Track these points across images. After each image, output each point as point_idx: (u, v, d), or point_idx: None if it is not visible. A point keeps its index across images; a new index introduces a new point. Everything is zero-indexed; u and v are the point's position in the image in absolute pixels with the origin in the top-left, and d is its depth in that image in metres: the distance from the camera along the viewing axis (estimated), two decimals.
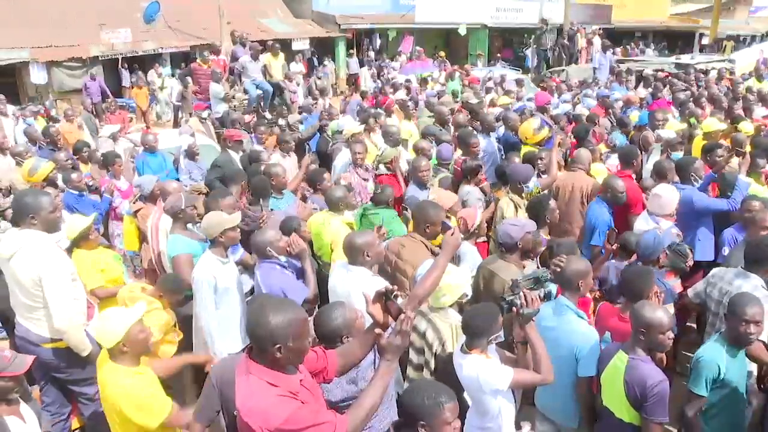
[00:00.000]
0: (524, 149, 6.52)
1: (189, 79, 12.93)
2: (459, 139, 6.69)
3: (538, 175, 5.51)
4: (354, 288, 3.48)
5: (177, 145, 7.80)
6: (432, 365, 3.32)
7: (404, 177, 6.16)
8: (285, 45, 16.20)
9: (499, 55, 24.36)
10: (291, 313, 2.07)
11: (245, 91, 12.20)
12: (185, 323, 4.15)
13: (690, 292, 4.07)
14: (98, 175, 7.04)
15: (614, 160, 6.32)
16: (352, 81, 19.05)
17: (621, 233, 4.55)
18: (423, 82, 14.29)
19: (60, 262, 3.60)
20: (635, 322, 2.93)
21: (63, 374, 3.81)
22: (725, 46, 23.30)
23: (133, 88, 15.55)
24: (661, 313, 2.89)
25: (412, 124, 8.90)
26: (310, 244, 4.67)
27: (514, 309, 2.89)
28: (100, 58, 15.90)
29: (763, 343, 3.37)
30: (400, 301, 2.28)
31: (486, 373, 2.84)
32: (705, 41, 24.45)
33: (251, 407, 2.04)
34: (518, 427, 2.99)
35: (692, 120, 7.85)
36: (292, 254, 4.04)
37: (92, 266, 4.30)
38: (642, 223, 4.69)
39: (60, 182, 6.17)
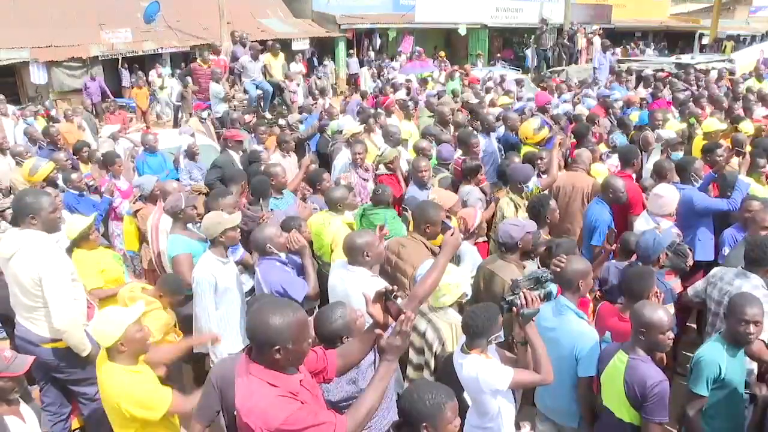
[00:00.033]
0: (524, 149, 6.52)
1: (189, 79, 12.93)
2: (459, 139, 6.68)
3: (539, 175, 5.51)
4: (354, 288, 3.48)
5: (177, 145, 7.81)
6: (432, 365, 3.32)
7: (404, 177, 6.17)
8: (285, 45, 16.20)
9: (499, 55, 24.42)
10: (291, 315, 2.07)
11: (245, 91, 12.20)
12: (185, 323, 4.16)
13: (690, 290, 4.07)
14: (98, 175, 7.05)
15: (614, 160, 6.32)
16: (352, 81, 19.06)
17: (621, 233, 4.55)
18: (423, 82, 14.29)
19: (60, 262, 3.60)
20: (635, 322, 2.94)
21: (63, 374, 3.81)
22: (725, 46, 23.31)
23: (133, 88, 15.56)
24: (661, 313, 2.89)
25: (412, 124, 8.90)
26: (311, 244, 4.67)
27: (514, 309, 2.89)
28: (100, 58, 15.92)
29: (764, 342, 3.36)
30: (399, 301, 2.28)
31: (486, 373, 2.84)
32: (705, 41, 24.44)
33: (251, 407, 2.04)
34: (518, 427, 2.99)
35: (692, 120, 7.84)
36: (292, 251, 4.03)
37: (92, 266, 4.30)
38: (642, 223, 4.69)
39: (60, 182, 6.17)
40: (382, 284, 2.68)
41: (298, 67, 15.16)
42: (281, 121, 10.13)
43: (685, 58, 15.18)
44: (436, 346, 3.29)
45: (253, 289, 4.27)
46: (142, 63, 17.06)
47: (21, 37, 15.03)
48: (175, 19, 17.52)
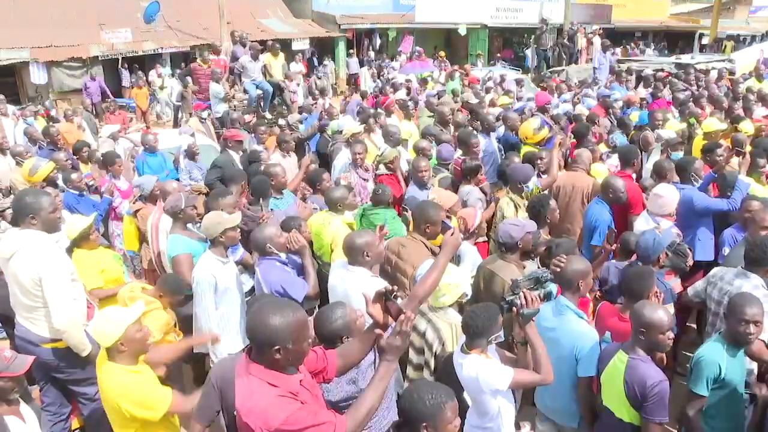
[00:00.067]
0: (524, 149, 6.52)
1: (189, 79, 12.93)
2: (459, 139, 6.68)
3: (539, 175, 5.51)
4: (354, 288, 3.48)
5: (177, 145, 7.81)
6: (432, 365, 3.32)
7: (404, 177, 6.16)
8: (285, 45, 16.20)
9: (499, 55, 24.42)
10: (291, 316, 2.07)
11: (245, 91, 12.20)
12: (185, 323, 4.16)
13: (690, 290, 4.07)
14: (98, 175, 7.05)
15: (614, 160, 6.32)
16: (352, 81, 19.06)
17: (621, 233, 4.55)
18: (423, 82, 14.30)
19: (60, 262, 3.60)
20: (635, 322, 2.94)
21: (63, 374, 3.81)
22: (725, 46, 23.31)
23: (133, 88, 15.57)
24: (661, 313, 2.89)
25: (412, 124, 8.90)
26: (311, 244, 4.67)
27: (514, 309, 2.89)
28: (100, 58, 15.93)
29: (764, 342, 3.36)
30: (399, 301, 2.28)
31: (486, 373, 2.84)
32: (705, 41, 24.44)
33: (251, 407, 2.04)
34: (518, 427, 2.99)
35: (692, 120, 7.84)
36: (292, 250, 4.03)
37: (92, 266, 4.30)
38: (642, 223, 4.68)
39: (60, 182, 6.17)
40: (381, 284, 2.68)
41: (298, 67, 15.16)
42: (281, 121, 10.13)
43: (685, 58, 15.17)
44: (436, 346, 3.29)
45: (253, 289, 4.27)
46: (142, 63, 17.07)
47: (21, 37, 15.04)
48: (175, 19, 17.52)
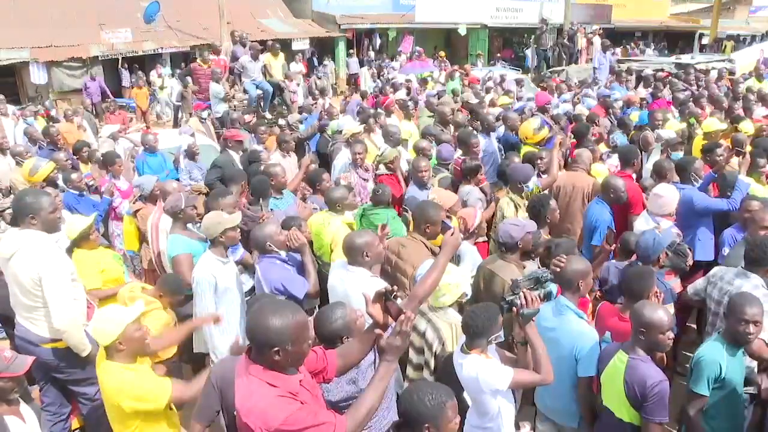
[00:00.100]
0: (524, 149, 6.52)
1: (189, 79, 12.93)
2: (459, 139, 6.68)
3: (539, 175, 5.51)
4: (353, 288, 3.48)
5: (177, 145, 7.81)
6: (432, 365, 3.32)
7: (404, 177, 6.16)
8: (285, 45, 16.21)
9: (499, 55, 24.42)
10: (290, 317, 2.06)
11: (245, 91, 12.20)
12: (185, 337, 4.14)
13: (689, 288, 4.07)
14: (98, 175, 7.05)
15: (614, 160, 6.32)
16: (352, 81, 19.06)
17: (621, 233, 4.55)
18: (423, 82, 14.30)
19: (60, 262, 3.60)
20: (635, 322, 2.94)
21: (63, 374, 3.81)
22: (725, 46, 23.31)
23: (133, 88, 15.57)
24: (661, 313, 2.89)
25: (412, 124, 8.90)
26: (310, 243, 4.67)
27: (514, 309, 2.89)
28: (100, 58, 15.93)
29: (764, 341, 3.36)
30: (399, 301, 2.28)
31: (486, 373, 2.84)
32: (705, 41, 24.44)
33: (250, 407, 2.04)
34: (518, 427, 2.99)
35: (692, 120, 7.84)
36: (292, 248, 4.04)
37: (92, 266, 4.30)
38: (642, 223, 4.68)
39: (60, 182, 6.17)
40: (381, 284, 2.68)
41: (298, 67, 15.16)
42: (281, 121, 10.13)
43: (685, 58, 15.17)
44: (436, 346, 3.29)
45: (253, 289, 4.27)
46: (142, 63, 17.07)
47: (21, 37, 15.04)
48: (175, 19, 17.52)
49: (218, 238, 3.95)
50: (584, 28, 21.49)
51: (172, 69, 16.59)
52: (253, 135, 8.11)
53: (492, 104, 10.19)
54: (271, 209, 5.12)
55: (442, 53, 20.37)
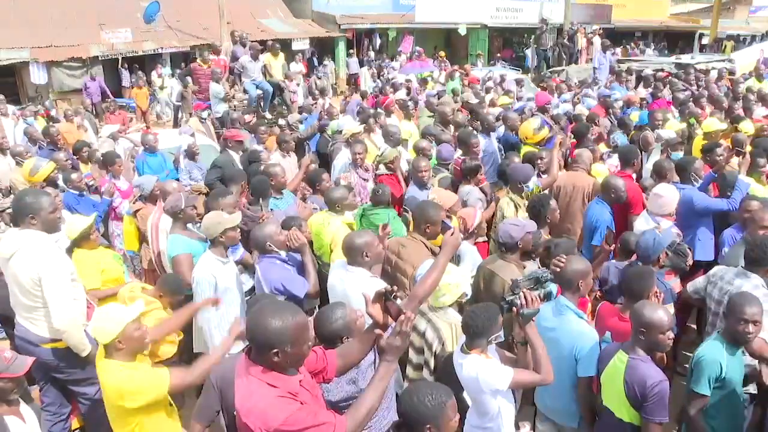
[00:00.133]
0: (524, 149, 6.52)
1: (189, 79, 12.94)
2: (459, 139, 6.68)
3: (539, 175, 5.51)
4: (353, 288, 3.48)
5: (177, 145, 7.81)
6: (432, 365, 3.32)
7: (404, 177, 6.16)
8: (285, 45, 16.21)
9: (499, 55, 24.42)
10: (290, 319, 2.06)
11: (245, 91, 12.21)
12: (185, 323, 4.15)
13: (689, 286, 4.07)
14: (98, 175, 7.05)
15: (614, 160, 6.32)
16: (352, 81, 19.06)
17: (621, 233, 4.55)
18: (423, 82, 14.29)
19: (60, 262, 3.60)
20: (635, 322, 2.94)
21: (63, 374, 3.81)
22: (725, 46, 23.31)
23: (133, 88, 15.57)
24: (661, 313, 2.89)
25: (412, 124, 8.90)
26: (310, 244, 4.67)
27: (514, 309, 2.89)
28: (100, 58, 15.93)
29: (764, 340, 3.36)
30: (399, 301, 2.28)
31: (486, 373, 2.84)
32: (705, 41, 24.44)
33: (250, 408, 2.04)
34: (518, 427, 2.99)
35: (692, 120, 7.84)
36: (292, 249, 4.04)
37: (93, 266, 4.30)
38: (642, 223, 4.68)
39: (60, 182, 6.17)
40: (381, 284, 2.68)
41: (298, 67, 15.17)
42: (281, 121, 10.13)
43: (685, 58, 15.17)
44: (436, 346, 3.29)
45: (253, 289, 4.27)
46: (142, 63, 17.07)
47: (21, 37, 15.04)
48: (175, 19, 17.53)
49: (218, 238, 3.95)
50: (584, 28, 21.48)
51: (172, 69, 16.59)
52: (253, 135, 8.10)
53: (492, 104, 10.19)
54: (271, 209, 5.12)
55: (442, 53, 20.36)
